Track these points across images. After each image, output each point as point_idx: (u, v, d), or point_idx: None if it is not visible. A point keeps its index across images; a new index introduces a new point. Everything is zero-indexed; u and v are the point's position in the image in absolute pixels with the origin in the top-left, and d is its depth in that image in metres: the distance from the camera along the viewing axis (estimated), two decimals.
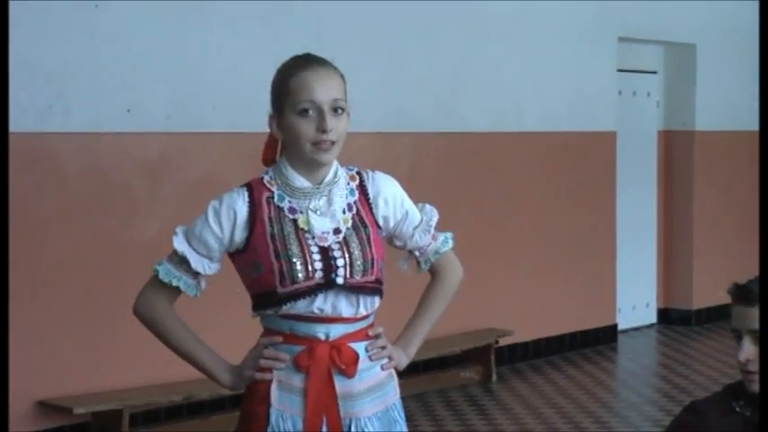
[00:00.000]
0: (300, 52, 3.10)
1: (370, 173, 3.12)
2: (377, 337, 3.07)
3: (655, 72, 10.25)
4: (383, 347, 3.07)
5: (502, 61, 8.54)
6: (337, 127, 2.97)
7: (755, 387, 2.73)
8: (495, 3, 8.42)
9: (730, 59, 10.36)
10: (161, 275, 3.03)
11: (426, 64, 8.04)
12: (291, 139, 2.99)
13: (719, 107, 10.33)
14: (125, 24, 6.53)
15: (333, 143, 2.97)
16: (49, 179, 6.34)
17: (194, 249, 3.02)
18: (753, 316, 2.70)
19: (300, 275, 2.93)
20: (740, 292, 2.73)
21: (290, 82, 2.98)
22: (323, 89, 2.97)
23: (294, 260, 2.94)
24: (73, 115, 6.38)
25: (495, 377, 8.17)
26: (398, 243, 3.16)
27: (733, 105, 10.40)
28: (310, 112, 2.96)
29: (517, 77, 8.66)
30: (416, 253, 3.17)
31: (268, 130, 3.10)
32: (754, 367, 2.72)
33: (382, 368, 3.07)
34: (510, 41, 8.59)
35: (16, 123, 6.03)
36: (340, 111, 2.98)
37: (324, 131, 2.95)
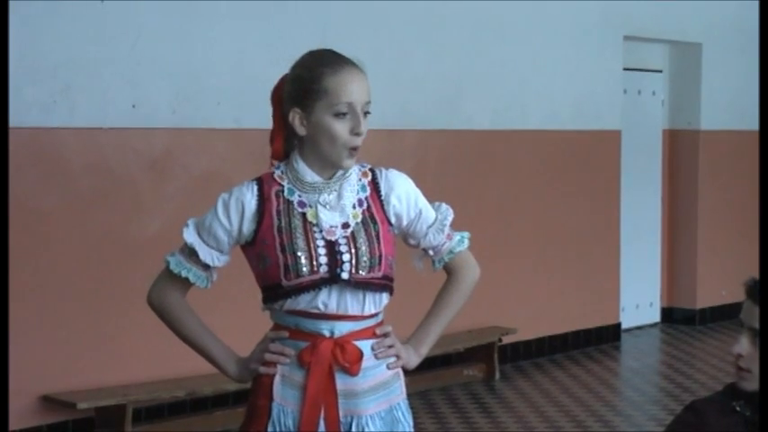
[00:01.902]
0: (305, 50, 3.07)
1: (384, 170, 3.11)
2: (385, 335, 3.05)
3: (660, 71, 10.24)
4: (390, 346, 3.06)
5: (507, 59, 8.54)
6: (365, 130, 2.99)
7: (745, 384, 2.74)
8: (500, 1, 8.41)
9: (736, 59, 10.35)
10: (172, 266, 3.05)
11: (431, 62, 8.04)
12: (320, 138, 2.97)
13: (725, 106, 10.32)
14: (130, 20, 6.54)
15: (357, 148, 2.98)
16: (54, 174, 6.34)
17: (204, 241, 3.03)
18: (756, 315, 2.71)
19: (305, 269, 2.93)
20: (752, 288, 2.73)
21: (325, 80, 2.94)
22: (359, 91, 2.97)
23: (299, 254, 2.93)
24: (78, 110, 6.39)
25: (498, 375, 8.17)
26: (412, 242, 3.15)
27: (738, 105, 10.39)
28: (346, 114, 2.95)
29: (522, 75, 8.65)
30: (430, 252, 3.15)
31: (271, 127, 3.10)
32: (745, 364, 2.73)
33: (388, 367, 3.06)
34: (515, 39, 8.58)
35: (21, 118, 6.04)
36: (367, 114, 3.00)
37: (358, 134, 2.96)
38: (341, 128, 2.95)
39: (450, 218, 3.15)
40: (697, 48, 10.13)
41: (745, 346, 2.72)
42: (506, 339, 8.33)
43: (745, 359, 2.72)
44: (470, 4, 8.20)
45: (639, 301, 10.09)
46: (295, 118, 2.99)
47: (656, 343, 9.78)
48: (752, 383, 2.72)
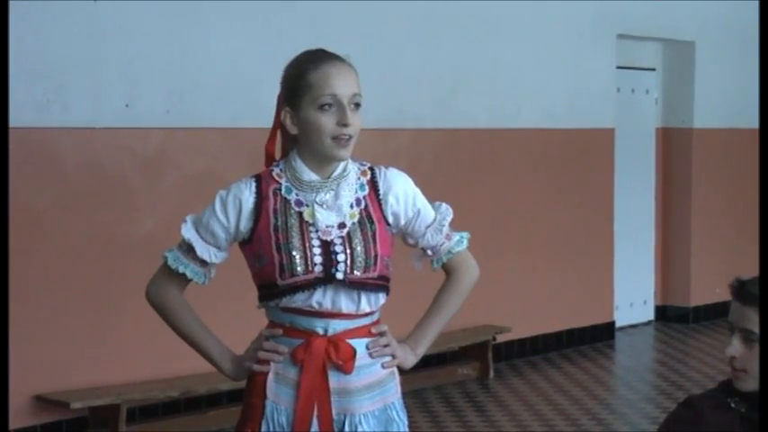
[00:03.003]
0: (299, 49, 3.08)
1: (383, 169, 3.10)
2: (381, 334, 3.05)
3: (653, 69, 10.25)
4: (386, 345, 3.05)
5: (501, 58, 8.54)
6: (355, 122, 2.98)
7: (741, 384, 2.75)
8: (493, 0, 8.41)
9: (729, 57, 10.36)
10: (170, 262, 3.06)
11: (425, 60, 8.04)
12: (309, 133, 2.97)
13: (718, 105, 10.33)
14: (124, 19, 6.53)
15: (350, 138, 2.97)
16: (47, 174, 6.34)
17: (202, 238, 3.04)
18: (746, 315, 2.71)
19: (300, 269, 2.93)
20: (738, 289, 2.74)
21: (309, 76, 2.96)
22: (344, 83, 2.96)
23: (294, 253, 2.94)
24: (71, 110, 6.38)
25: (492, 374, 8.17)
26: (411, 241, 3.15)
27: (731, 103, 10.41)
28: (331, 106, 2.95)
29: (516, 74, 8.66)
30: (429, 252, 3.15)
31: (268, 126, 3.09)
32: (740, 365, 2.73)
33: (383, 366, 3.05)
34: (509, 38, 8.59)
35: (14, 118, 6.03)
36: (358, 106, 2.99)
37: (344, 125, 2.95)
38: (326, 120, 2.95)
39: (450, 218, 3.15)
40: (690, 46, 10.14)
41: (737, 347, 2.73)
42: (500, 338, 8.34)
43: (740, 360, 2.73)
44: (464, 2, 8.20)
45: (633, 299, 10.10)
46: (286, 117, 3.01)
47: (650, 341, 9.79)
48: (748, 384, 2.73)
